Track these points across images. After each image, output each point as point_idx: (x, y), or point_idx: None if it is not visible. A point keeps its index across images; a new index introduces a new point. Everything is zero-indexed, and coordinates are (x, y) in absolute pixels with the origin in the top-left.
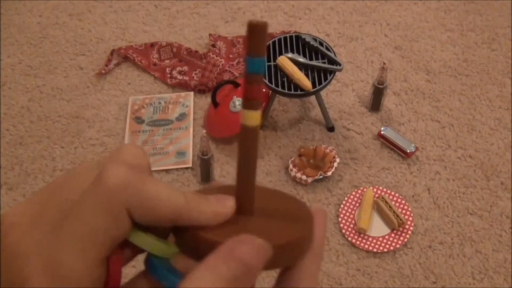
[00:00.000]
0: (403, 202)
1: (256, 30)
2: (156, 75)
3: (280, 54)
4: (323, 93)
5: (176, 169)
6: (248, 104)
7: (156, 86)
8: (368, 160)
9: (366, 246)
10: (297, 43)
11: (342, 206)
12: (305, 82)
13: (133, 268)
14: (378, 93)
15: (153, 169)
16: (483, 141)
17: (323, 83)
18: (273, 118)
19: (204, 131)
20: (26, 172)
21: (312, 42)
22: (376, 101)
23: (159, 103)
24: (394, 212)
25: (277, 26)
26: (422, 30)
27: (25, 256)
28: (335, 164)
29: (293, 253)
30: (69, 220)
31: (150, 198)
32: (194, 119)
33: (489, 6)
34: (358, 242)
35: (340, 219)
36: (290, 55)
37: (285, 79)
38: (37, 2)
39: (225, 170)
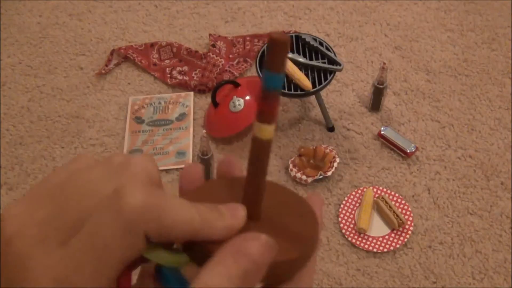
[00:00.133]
0: (403, 202)
1: (277, 45)
2: (156, 75)
3: None
4: (323, 93)
5: (176, 169)
6: (262, 118)
7: (156, 86)
8: (368, 160)
9: (366, 246)
10: (297, 43)
11: (342, 206)
12: (305, 82)
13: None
14: (378, 93)
15: None
16: (483, 141)
17: (323, 83)
18: None
19: (204, 131)
20: (26, 172)
21: (312, 42)
22: (376, 101)
23: (159, 103)
24: (394, 212)
25: (277, 26)
26: (422, 30)
27: (33, 272)
28: (335, 164)
29: (295, 268)
30: (82, 237)
31: (168, 224)
32: (194, 119)
33: (489, 6)
34: (358, 242)
35: (340, 219)
36: (290, 55)
37: (285, 79)
38: (37, 2)
39: None
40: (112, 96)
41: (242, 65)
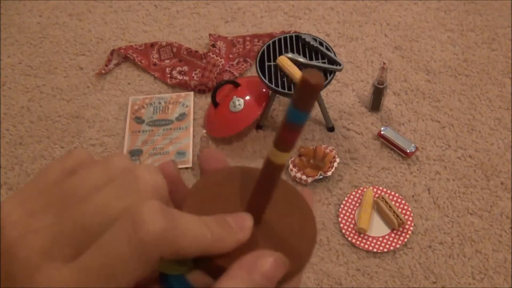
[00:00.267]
0: (403, 202)
1: (310, 88)
2: (156, 75)
3: (280, 54)
4: (323, 93)
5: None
6: (280, 146)
7: (156, 86)
8: (368, 160)
9: (366, 246)
10: (297, 43)
11: (342, 206)
12: None
13: None
14: (378, 93)
15: None
16: (483, 141)
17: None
18: (273, 118)
19: (204, 131)
20: (26, 172)
21: (312, 42)
22: (376, 101)
23: (159, 103)
24: (394, 212)
25: (277, 26)
26: (422, 30)
27: (42, 286)
28: (335, 164)
29: (292, 275)
30: (93, 255)
31: (184, 246)
32: (194, 119)
33: (489, 6)
34: (358, 242)
35: (340, 219)
36: (290, 55)
37: (285, 79)
38: (37, 2)
39: None
40: (112, 96)
41: (242, 65)
